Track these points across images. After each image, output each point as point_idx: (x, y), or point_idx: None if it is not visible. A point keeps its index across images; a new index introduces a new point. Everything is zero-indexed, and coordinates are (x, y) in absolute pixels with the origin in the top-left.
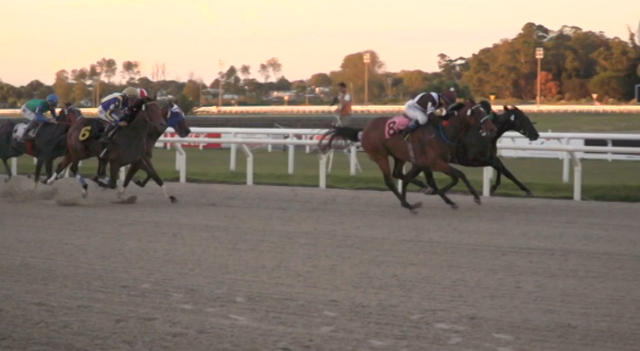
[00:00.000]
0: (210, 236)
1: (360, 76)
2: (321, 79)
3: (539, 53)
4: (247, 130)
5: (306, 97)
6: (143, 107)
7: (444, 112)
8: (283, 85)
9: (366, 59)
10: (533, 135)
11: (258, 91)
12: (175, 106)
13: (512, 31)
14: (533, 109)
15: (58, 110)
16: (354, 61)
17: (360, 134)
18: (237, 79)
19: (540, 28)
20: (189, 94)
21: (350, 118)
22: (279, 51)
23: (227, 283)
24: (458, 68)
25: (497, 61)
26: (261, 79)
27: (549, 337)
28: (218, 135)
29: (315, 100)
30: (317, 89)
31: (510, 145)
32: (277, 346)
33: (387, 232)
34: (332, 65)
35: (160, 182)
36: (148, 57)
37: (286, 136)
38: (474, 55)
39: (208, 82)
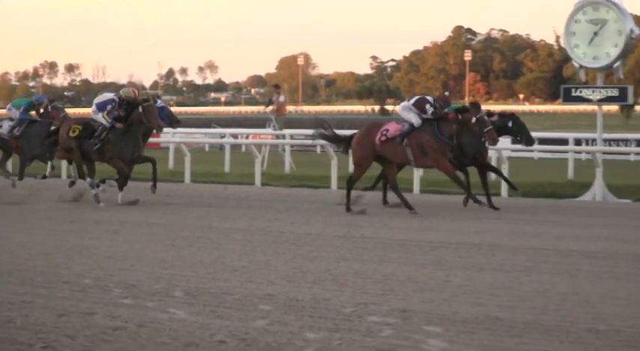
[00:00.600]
0: (149, 233)
1: (294, 77)
2: (257, 81)
3: (468, 55)
4: (185, 129)
5: (242, 98)
6: (140, 109)
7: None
8: (220, 86)
9: (300, 61)
10: (529, 141)
11: (196, 92)
12: (159, 101)
13: (441, 33)
14: None
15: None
16: (288, 63)
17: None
18: (175, 81)
19: (469, 30)
20: None
21: (284, 118)
22: (216, 53)
23: (166, 278)
24: (389, 69)
25: (427, 63)
26: (198, 81)
27: (477, 329)
28: (157, 135)
29: (251, 101)
30: (252, 90)
31: None
32: (214, 339)
33: (321, 228)
34: (267, 67)
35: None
36: (88, 59)
37: (223, 136)
38: (404, 56)
39: (147, 84)
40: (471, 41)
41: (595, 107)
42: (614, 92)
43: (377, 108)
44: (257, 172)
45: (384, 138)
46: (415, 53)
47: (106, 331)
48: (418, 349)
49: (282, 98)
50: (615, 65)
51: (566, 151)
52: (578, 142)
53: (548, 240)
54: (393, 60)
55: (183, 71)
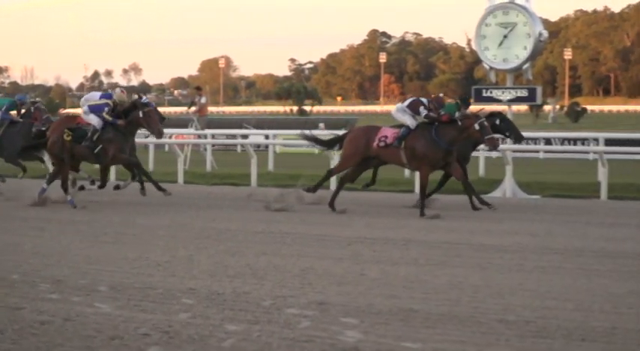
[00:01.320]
0: (75, 230)
1: (216, 79)
2: (180, 83)
3: (383, 57)
4: None
5: (165, 100)
6: (140, 113)
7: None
8: (144, 88)
9: (221, 64)
10: (518, 138)
11: None
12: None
13: (357, 37)
14: (377, 110)
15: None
16: (209, 66)
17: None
18: (100, 83)
19: (384, 34)
20: (55, 96)
21: (206, 119)
22: (140, 56)
23: (91, 274)
24: (307, 71)
25: (343, 65)
26: (123, 83)
27: (392, 321)
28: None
29: (174, 102)
30: (175, 92)
31: None
32: (138, 332)
33: (241, 224)
34: (189, 69)
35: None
36: (17, 61)
37: (147, 136)
38: (322, 59)
39: (74, 86)
40: (386, 44)
41: (505, 107)
42: (524, 93)
43: (295, 109)
44: (180, 171)
45: (382, 143)
46: (332, 56)
47: (33, 325)
48: (335, 340)
49: (203, 100)
50: (524, 67)
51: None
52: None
53: (461, 234)
54: (310, 62)
55: (109, 73)
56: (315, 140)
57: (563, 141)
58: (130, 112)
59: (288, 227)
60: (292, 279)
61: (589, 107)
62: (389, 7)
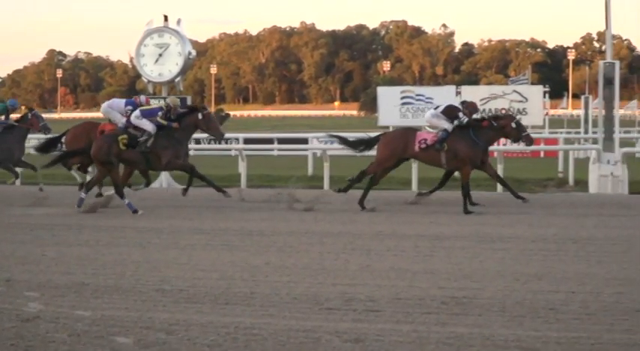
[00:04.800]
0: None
1: None
2: None
3: (60, 73)
4: None
5: None
6: (199, 116)
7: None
8: None
9: None
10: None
11: None
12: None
13: (38, 55)
14: (55, 117)
15: (14, 115)
16: None
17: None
18: None
19: (60, 53)
20: None
21: None
22: None
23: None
24: None
25: (26, 79)
26: None
27: (68, 293)
28: None
29: None
30: None
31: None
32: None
33: None
34: None
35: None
36: None
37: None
38: (8, 74)
39: None
40: (62, 61)
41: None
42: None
43: None
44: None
45: (423, 145)
46: (17, 72)
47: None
48: (20, 311)
49: None
50: (176, 80)
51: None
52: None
53: (125, 220)
54: None
55: None
56: (345, 142)
57: (209, 140)
58: (186, 116)
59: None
60: None
61: (232, 112)
62: (65, 29)
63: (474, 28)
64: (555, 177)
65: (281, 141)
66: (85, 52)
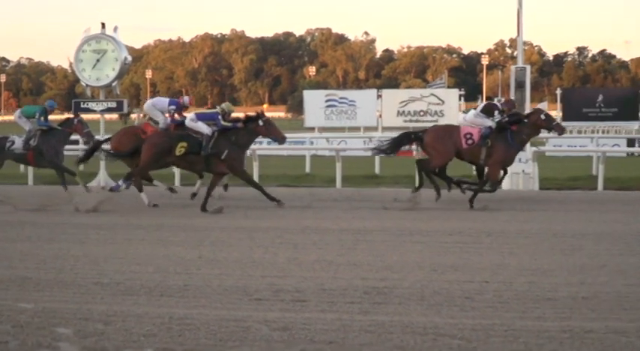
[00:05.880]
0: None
1: None
2: None
3: (3, 78)
4: None
5: None
6: (260, 122)
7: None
8: None
9: None
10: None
11: None
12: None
13: None
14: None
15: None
16: None
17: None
18: None
19: (3, 58)
20: None
21: None
22: None
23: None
24: None
25: None
26: None
27: (11, 286)
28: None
29: None
30: None
31: None
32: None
33: None
34: None
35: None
36: None
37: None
38: None
39: None
40: (6, 67)
41: (99, 116)
42: (113, 104)
43: None
44: None
45: (470, 141)
46: None
47: None
48: None
49: None
50: (113, 84)
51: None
52: None
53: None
54: None
55: None
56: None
57: None
58: (250, 122)
59: None
60: None
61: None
62: (8, 36)
63: (394, 36)
64: (470, 175)
65: None
66: (27, 58)
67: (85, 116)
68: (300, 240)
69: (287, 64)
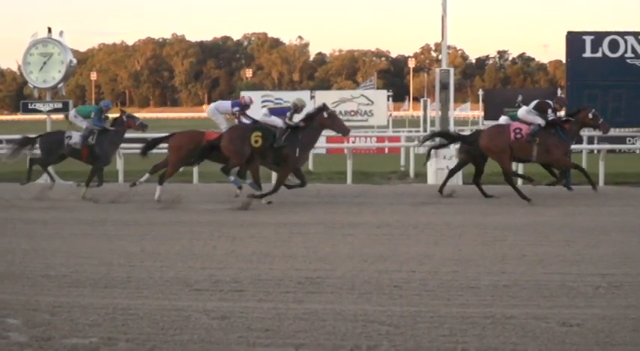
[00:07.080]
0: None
1: None
2: None
3: None
4: None
5: None
6: (325, 114)
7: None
8: None
9: None
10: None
11: None
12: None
13: None
14: None
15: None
16: None
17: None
18: None
19: None
20: None
21: None
22: None
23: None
24: None
25: None
26: None
27: None
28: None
29: None
30: None
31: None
32: None
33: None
34: None
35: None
36: None
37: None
38: None
39: None
40: None
41: (45, 116)
42: (59, 105)
43: None
44: None
45: (519, 136)
46: None
47: None
48: None
49: None
50: (59, 86)
51: None
52: None
53: (13, 212)
54: None
55: None
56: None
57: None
58: (315, 116)
59: None
60: None
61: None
62: None
63: (326, 39)
64: (398, 170)
65: None
66: None
67: (31, 117)
68: (238, 233)
69: (225, 66)
